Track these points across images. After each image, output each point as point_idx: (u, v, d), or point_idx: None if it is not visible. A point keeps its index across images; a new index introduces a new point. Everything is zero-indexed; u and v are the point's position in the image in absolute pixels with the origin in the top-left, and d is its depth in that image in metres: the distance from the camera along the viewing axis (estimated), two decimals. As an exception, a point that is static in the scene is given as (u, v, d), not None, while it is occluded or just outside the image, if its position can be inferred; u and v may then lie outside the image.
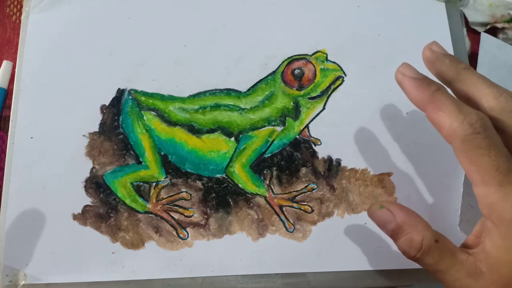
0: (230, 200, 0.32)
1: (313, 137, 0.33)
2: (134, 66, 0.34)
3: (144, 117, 0.33)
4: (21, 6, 0.37)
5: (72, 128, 0.32)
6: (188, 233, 0.31)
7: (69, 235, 0.30)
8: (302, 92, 0.33)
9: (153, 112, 0.33)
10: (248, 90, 0.33)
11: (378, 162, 0.32)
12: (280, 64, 0.34)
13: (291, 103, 0.33)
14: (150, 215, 0.31)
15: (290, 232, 0.31)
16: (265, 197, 0.32)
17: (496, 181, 0.21)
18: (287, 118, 0.33)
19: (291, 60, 0.34)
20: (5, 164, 0.31)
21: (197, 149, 0.32)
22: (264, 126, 0.33)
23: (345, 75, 0.34)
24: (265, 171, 0.32)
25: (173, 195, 0.32)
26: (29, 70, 0.33)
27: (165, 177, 0.32)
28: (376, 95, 0.34)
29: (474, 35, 0.39)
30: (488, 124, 0.22)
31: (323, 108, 0.33)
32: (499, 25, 0.38)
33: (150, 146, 0.32)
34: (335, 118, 0.33)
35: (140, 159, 0.32)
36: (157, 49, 0.34)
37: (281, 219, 0.31)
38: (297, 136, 0.33)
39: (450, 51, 0.35)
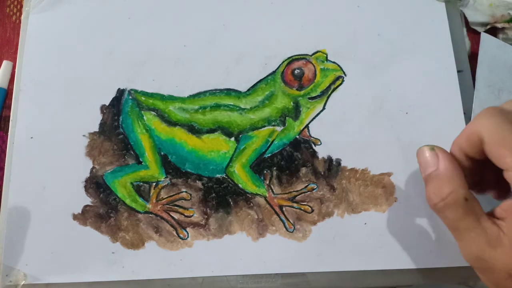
0: (230, 200, 0.32)
1: (313, 137, 0.33)
2: (134, 66, 0.34)
3: (144, 117, 0.33)
4: (21, 6, 0.37)
5: (72, 128, 0.32)
6: (188, 233, 0.31)
7: (69, 235, 0.30)
8: (302, 92, 0.33)
9: (153, 112, 0.33)
10: (248, 90, 0.33)
11: (378, 162, 0.32)
12: (280, 64, 0.34)
13: (291, 103, 0.33)
14: (150, 215, 0.31)
15: (290, 232, 0.31)
16: (265, 197, 0.32)
17: None
18: (287, 118, 0.33)
19: (291, 60, 0.34)
20: (5, 164, 0.31)
21: (197, 149, 0.32)
22: (264, 126, 0.33)
23: (345, 75, 0.34)
24: (265, 171, 0.32)
25: (173, 195, 0.32)
26: (29, 70, 0.33)
27: (165, 177, 0.32)
28: (376, 95, 0.34)
29: (474, 35, 0.39)
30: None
31: (323, 108, 0.33)
32: (499, 25, 0.38)
33: (150, 146, 0.32)
34: (335, 118, 0.33)
35: (140, 159, 0.32)
36: (157, 49, 0.34)
37: (281, 219, 0.31)
38: (297, 136, 0.33)
39: (450, 51, 0.35)
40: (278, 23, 0.35)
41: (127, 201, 0.31)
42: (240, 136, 0.32)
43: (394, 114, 0.33)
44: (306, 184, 0.32)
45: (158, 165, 0.32)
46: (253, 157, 0.32)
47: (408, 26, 0.35)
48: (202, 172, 0.32)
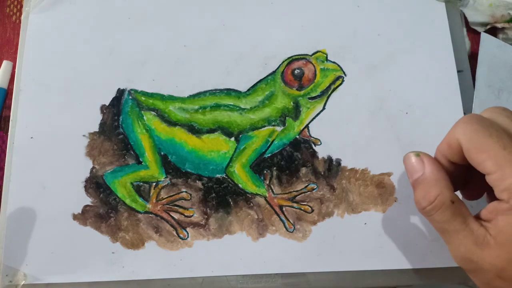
0: (230, 200, 0.32)
1: (313, 137, 0.33)
2: (134, 66, 0.34)
3: (144, 117, 0.33)
4: (21, 6, 0.37)
5: (72, 128, 0.32)
6: (188, 233, 0.31)
7: (69, 235, 0.30)
8: (302, 92, 0.33)
9: (153, 112, 0.33)
10: (248, 90, 0.33)
11: (378, 162, 0.32)
12: (280, 64, 0.34)
13: (291, 103, 0.33)
14: (150, 215, 0.31)
15: (290, 232, 0.31)
16: (265, 197, 0.32)
17: (509, 160, 0.22)
18: (287, 118, 0.33)
19: (291, 60, 0.34)
20: (5, 164, 0.31)
21: (197, 149, 0.32)
22: (264, 126, 0.33)
23: (345, 75, 0.34)
24: (265, 171, 0.32)
25: (173, 195, 0.32)
26: (29, 70, 0.33)
27: (165, 177, 0.32)
28: (376, 95, 0.34)
29: (474, 35, 0.39)
30: (480, 117, 0.24)
31: (323, 108, 0.33)
32: (499, 25, 0.38)
33: (150, 146, 0.32)
34: (335, 118, 0.33)
35: (140, 159, 0.32)
36: (157, 49, 0.34)
37: (281, 219, 0.31)
38: (297, 136, 0.33)
39: (450, 51, 0.35)
40: (278, 23, 0.35)
41: (127, 201, 0.31)
42: (240, 136, 0.32)
43: (394, 114, 0.33)
44: (306, 184, 0.32)
45: (158, 165, 0.32)
46: (253, 157, 0.32)
47: (408, 26, 0.35)
48: (202, 172, 0.32)
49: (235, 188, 0.32)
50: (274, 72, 0.34)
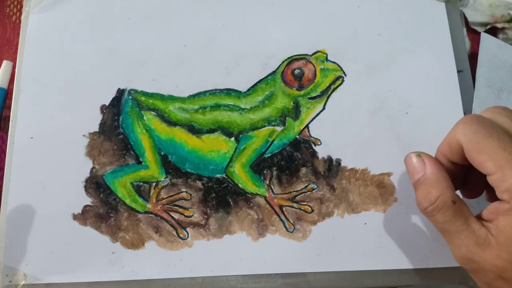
0: (230, 200, 0.32)
1: (313, 137, 0.33)
2: (134, 66, 0.34)
3: (144, 117, 0.33)
4: (21, 6, 0.37)
5: (72, 128, 0.32)
6: (188, 233, 0.31)
7: (69, 235, 0.30)
8: (302, 92, 0.33)
9: (153, 112, 0.33)
10: (248, 90, 0.33)
11: (378, 162, 0.32)
12: (280, 64, 0.34)
13: (291, 103, 0.33)
14: (150, 215, 0.31)
15: (290, 232, 0.31)
16: (265, 197, 0.32)
17: (509, 161, 0.22)
18: (287, 118, 0.33)
19: (291, 60, 0.34)
20: (5, 164, 0.31)
21: (197, 149, 0.32)
22: (264, 126, 0.33)
23: (345, 75, 0.34)
24: (265, 171, 0.32)
25: (173, 195, 0.32)
26: (29, 70, 0.33)
27: (165, 177, 0.32)
28: (376, 95, 0.34)
29: (474, 35, 0.39)
30: (482, 118, 0.24)
31: (323, 108, 0.33)
32: (499, 25, 0.38)
33: (150, 146, 0.32)
34: (335, 118, 0.33)
35: (140, 159, 0.32)
36: (157, 49, 0.34)
37: (281, 219, 0.31)
38: (297, 136, 0.33)
39: (450, 51, 0.35)
40: (278, 23, 0.35)
41: (127, 201, 0.31)
42: (240, 136, 0.32)
43: (394, 114, 0.33)
44: (306, 184, 0.32)
45: (158, 165, 0.32)
46: (253, 157, 0.32)
47: (408, 26, 0.35)
48: (202, 172, 0.32)
49: (235, 188, 0.32)
50: (274, 72, 0.34)
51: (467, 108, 0.34)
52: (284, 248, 0.31)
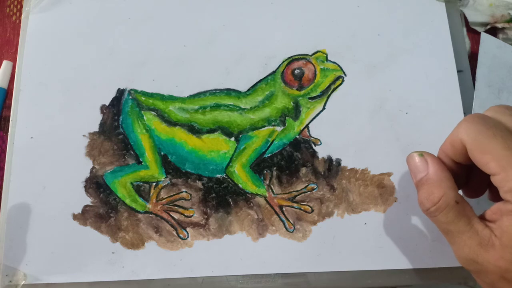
0: (230, 200, 0.32)
1: (313, 137, 0.33)
2: (134, 66, 0.34)
3: (144, 117, 0.33)
4: (21, 6, 0.37)
5: (72, 128, 0.32)
6: (188, 233, 0.31)
7: (69, 235, 0.30)
8: (302, 92, 0.33)
9: (153, 112, 0.33)
10: (248, 90, 0.33)
11: (378, 162, 0.32)
12: (280, 64, 0.34)
13: (291, 103, 0.33)
14: (150, 215, 0.31)
15: (290, 232, 0.31)
16: (265, 197, 0.32)
17: None
18: (287, 118, 0.33)
19: (291, 60, 0.34)
20: (5, 164, 0.31)
21: (197, 149, 0.32)
22: (264, 126, 0.33)
23: (345, 75, 0.34)
24: (265, 171, 0.32)
25: (173, 195, 0.32)
26: (29, 70, 0.33)
27: (165, 177, 0.32)
28: (376, 95, 0.34)
29: (474, 35, 0.39)
30: (486, 117, 0.24)
31: (323, 108, 0.33)
32: (499, 25, 0.38)
33: (150, 146, 0.32)
34: (335, 118, 0.33)
35: (140, 159, 0.32)
36: (157, 49, 0.34)
37: (281, 219, 0.31)
38: (297, 136, 0.33)
39: (450, 51, 0.35)
40: (278, 23, 0.35)
41: (127, 201, 0.31)
42: (240, 136, 0.32)
43: (394, 114, 0.33)
44: (306, 184, 0.32)
45: (158, 165, 0.32)
46: (253, 157, 0.32)
47: (408, 26, 0.35)
48: (202, 172, 0.32)
49: (235, 188, 0.32)
50: (274, 72, 0.34)
51: (467, 108, 0.34)
52: (284, 248, 0.31)
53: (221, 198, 0.32)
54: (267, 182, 0.32)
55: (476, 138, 0.23)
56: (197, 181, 0.32)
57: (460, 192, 0.27)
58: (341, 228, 0.31)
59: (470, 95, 0.34)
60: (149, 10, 0.35)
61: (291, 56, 0.34)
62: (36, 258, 0.30)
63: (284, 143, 0.33)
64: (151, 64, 0.34)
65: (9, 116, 0.33)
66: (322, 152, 0.32)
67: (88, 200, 0.31)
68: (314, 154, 0.32)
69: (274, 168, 0.32)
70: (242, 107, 0.33)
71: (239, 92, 0.33)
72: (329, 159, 0.32)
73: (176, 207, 0.31)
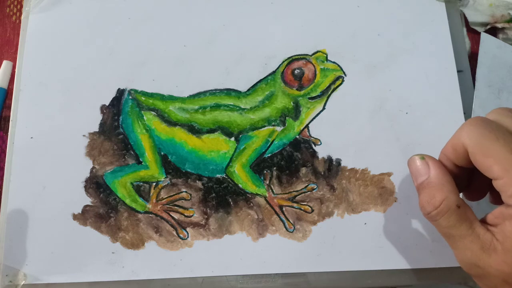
0: (230, 200, 0.32)
1: (313, 137, 0.33)
2: (134, 66, 0.34)
3: (144, 117, 0.33)
4: (21, 6, 0.37)
5: (72, 128, 0.32)
6: (188, 233, 0.31)
7: (69, 235, 0.30)
8: (302, 92, 0.33)
9: (153, 112, 0.33)
10: (248, 90, 0.33)
11: (378, 162, 0.32)
12: (280, 64, 0.34)
13: (291, 103, 0.33)
14: (150, 215, 0.31)
15: (290, 232, 0.31)
16: (265, 197, 0.32)
17: None
18: (287, 118, 0.33)
19: (291, 60, 0.34)
20: (5, 164, 0.31)
21: (197, 149, 0.32)
22: (264, 126, 0.33)
23: (345, 75, 0.34)
24: (265, 171, 0.32)
25: (173, 195, 0.32)
26: (29, 70, 0.33)
27: (165, 177, 0.32)
28: (376, 95, 0.34)
29: (474, 35, 0.39)
30: (488, 120, 0.23)
31: (323, 108, 0.33)
32: (499, 25, 0.38)
33: (150, 146, 0.32)
34: (335, 118, 0.33)
35: (140, 159, 0.32)
36: (157, 49, 0.34)
37: (281, 219, 0.31)
38: (297, 136, 0.33)
39: (450, 51, 0.35)
40: (278, 23, 0.35)
41: (127, 201, 0.31)
42: (240, 136, 0.32)
43: (394, 114, 0.33)
44: (306, 184, 0.32)
45: (158, 165, 0.32)
46: (253, 157, 0.32)
47: (408, 26, 0.35)
48: (202, 172, 0.32)
49: (235, 188, 0.32)
50: (274, 72, 0.34)
51: (467, 108, 0.34)
52: (284, 248, 0.31)
53: (221, 198, 0.32)
54: (267, 182, 0.32)
55: (478, 142, 0.23)
56: (197, 181, 0.32)
57: (461, 195, 0.27)
58: (341, 228, 0.31)
59: (470, 95, 0.34)
60: (149, 10, 0.35)
61: (291, 56, 0.34)
62: (36, 258, 0.30)
63: (284, 143, 0.33)
64: (151, 64, 0.34)
65: (9, 116, 0.33)
66: (322, 152, 0.32)
67: (88, 200, 0.31)
68: (314, 154, 0.32)
69: (274, 168, 0.32)
70: (242, 107, 0.33)
71: (239, 92, 0.33)
72: (329, 159, 0.32)
73: (176, 207, 0.31)
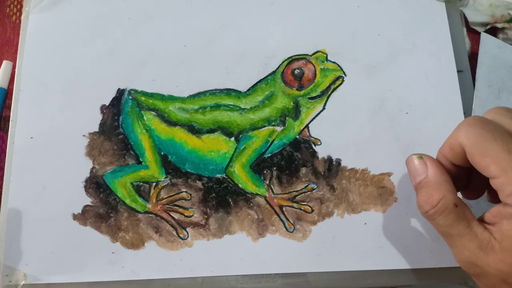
0: (230, 200, 0.32)
1: (313, 137, 0.33)
2: (134, 66, 0.34)
3: (144, 117, 0.33)
4: (21, 6, 0.37)
5: (72, 128, 0.32)
6: (188, 233, 0.31)
7: (69, 235, 0.30)
8: (302, 92, 0.33)
9: (153, 112, 0.33)
10: (248, 90, 0.33)
11: (378, 162, 0.32)
12: (280, 64, 0.34)
13: (291, 103, 0.33)
14: (150, 215, 0.31)
15: (290, 232, 0.31)
16: (265, 197, 0.32)
17: None
18: (287, 118, 0.33)
19: (291, 60, 0.34)
20: (5, 164, 0.31)
21: (197, 149, 0.32)
22: (264, 126, 0.33)
23: (345, 75, 0.34)
24: (265, 171, 0.32)
25: (173, 195, 0.32)
26: (29, 70, 0.33)
27: (165, 177, 0.32)
28: (376, 95, 0.34)
29: (474, 35, 0.39)
30: (485, 120, 0.23)
31: (323, 108, 0.33)
32: (499, 25, 0.38)
33: (150, 146, 0.32)
34: (335, 118, 0.33)
35: (140, 159, 0.32)
36: (157, 49, 0.34)
37: (281, 219, 0.31)
38: (297, 136, 0.33)
39: (450, 51, 0.35)
40: (278, 23, 0.35)
41: (127, 201, 0.31)
42: (240, 136, 0.32)
43: (394, 114, 0.33)
44: (306, 184, 0.32)
45: (158, 165, 0.32)
46: (253, 157, 0.32)
47: (408, 26, 0.35)
48: (202, 172, 0.32)
49: (235, 188, 0.32)
50: (274, 72, 0.34)
51: (467, 108, 0.34)
52: (284, 248, 0.31)
53: (221, 198, 0.32)
54: (267, 182, 0.32)
55: (475, 141, 0.23)
56: (197, 181, 0.32)
57: (459, 194, 0.27)
58: (341, 228, 0.31)
59: (470, 95, 0.34)
60: (149, 10, 0.35)
61: (291, 56, 0.34)
62: (36, 258, 0.30)
63: (284, 143, 0.33)
64: (151, 64, 0.34)
65: (9, 116, 0.33)
66: (322, 152, 0.32)
67: (88, 200, 0.31)
68: (314, 154, 0.32)
69: (274, 168, 0.32)
70: (242, 107, 0.33)
71: (239, 92, 0.33)
72: (329, 159, 0.32)
73: (176, 207, 0.31)
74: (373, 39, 0.35)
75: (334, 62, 0.34)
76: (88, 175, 0.31)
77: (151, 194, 0.32)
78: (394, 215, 0.32)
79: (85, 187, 0.31)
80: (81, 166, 0.32)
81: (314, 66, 0.34)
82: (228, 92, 0.33)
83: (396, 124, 0.33)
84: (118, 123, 0.32)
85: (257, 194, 0.32)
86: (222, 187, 0.32)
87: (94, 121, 0.32)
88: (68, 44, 0.34)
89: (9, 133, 0.32)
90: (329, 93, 0.34)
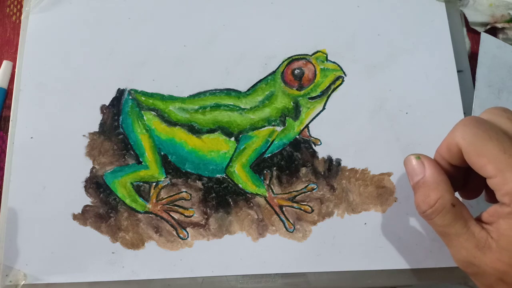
0: (230, 200, 0.32)
1: (313, 137, 0.33)
2: (134, 66, 0.34)
3: (144, 117, 0.33)
4: (21, 6, 0.37)
5: (72, 128, 0.32)
6: (188, 233, 0.31)
7: (69, 235, 0.30)
8: (302, 92, 0.33)
9: (153, 112, 0.33)
10: (248, 90, 0.33)
11: (378, 162, 0.32)
12: (280, 64, 0.34)
13: (291, 103, 0.33)
14: (150, 215, 0.31)
15: (290, 232, 0.31)
16: (265, 197, 0.32)
17: (509, 164, 0.21)
18: (287, 118, 0.33)
19: (291, 60, 0.34)
20: (5, 164, 0.31)
21: (197, 149, 0.32)
22: (264, 126, 0.33)
23: (345, 75, 0.34)
24: (265, 171, 0.32)
25: (173, 195, 0.32)
26: (29, 70, 0.33)
27: (165, 177, 0.32)
28: (376, 95, 0.34)
29: (474, 35, 0.39)
30: (482, 120, 0.24)
31: (323, 108, 0.33)
32: (499, 25, 0.38)
33: (150, 146, 0.32)
34: (335, 118, 0.33)
35: (140, 159, 0.32)
36: (157, 49, 0.34)
37: (281, 219, 0.31)
38: (297, 136, 0.33)
39: (450, 51, 0.35)
40: (278, 23, 0.35)
41: (127, 201, 0.31)
42: (240, 136, 0.32)
43: (394, 114, 0.33)
44: (306, 184, 0.32)
45: (158, 165, 0.32)
46: (253, 157, 0.32)
47: (408, 26, 0.35)
48: (202, 172, 0.32)
49: (235, 188, 0.32)
50: (274, 72, 0.34)
51: (467, 108, 0.34)
52: (284, 248, 0.31)
53: (221, 198, 0.32)
54: (267, 182, 0.32)
55: (472, 141, 0.23)
56: (197, 181, 0.32)
57: (457, 194, 0.27)
58: (341, 228, 0.31)
59: (470, 95, 0.34)
60: (149, 10, 0.35)
61: (291, 56, 0.34)
62: (36, 258, 0.30)
63: (284, 143, 0.33)
64: (151, 64, 0.34)
65: (9, 116, 0.33)
66: (322, 152, 0.32)
67: (88, 200, 0.31)
68: (314, 154, 0.32)
69: (274, 168, 0.32)
70: (242, 107, 0.33)
71: (239, 92, 0.33)
72: (329, 159, 0.32)
73: (176, 207, 0.31)
74: (373, 39, 0.35)
75: (334, 62, 0.34)
76: (88, 175, 0.31)
77: (151, 194, 0.32)
78: (394, 215, 0.32)
79: (85, 187, 0.31)
80: (81, 166, 0.32)
81: (314, 66, 0.34)
82: (228, 92, 0.33)
83: (396, 124, 0.33)
84: (118, 123, 0.32)
85: (257, 194, 0.32)
86: (222, 187, 0.32)
87: (94, 121, 0.32)
88: (68, 44, 0.34)
89: (9, 133, 0.32)
90: (329, 93, 0.34)
